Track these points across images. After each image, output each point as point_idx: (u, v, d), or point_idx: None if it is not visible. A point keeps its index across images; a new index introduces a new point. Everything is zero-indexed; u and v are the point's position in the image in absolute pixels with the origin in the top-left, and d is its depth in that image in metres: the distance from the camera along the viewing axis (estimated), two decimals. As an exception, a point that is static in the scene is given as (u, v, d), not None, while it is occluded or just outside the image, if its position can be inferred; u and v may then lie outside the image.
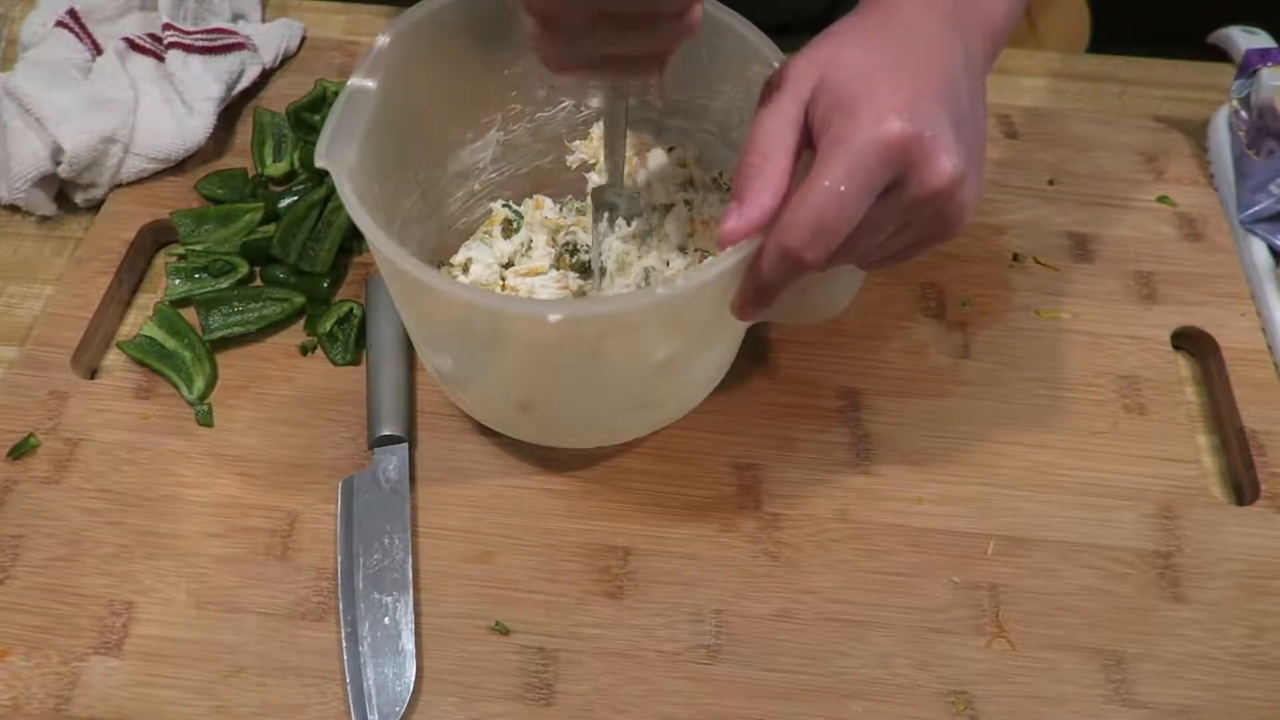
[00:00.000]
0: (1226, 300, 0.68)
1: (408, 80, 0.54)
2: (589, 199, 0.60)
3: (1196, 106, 0.80)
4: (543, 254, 0.63)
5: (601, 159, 0.57)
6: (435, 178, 0.60)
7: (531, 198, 0.66)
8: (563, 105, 0.63)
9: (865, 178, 0.44)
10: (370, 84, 0.51)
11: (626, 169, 0.59)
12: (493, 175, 0.65)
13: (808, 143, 0.46)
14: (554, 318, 0.45)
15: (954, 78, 0.47)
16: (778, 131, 0.46)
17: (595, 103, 0.63)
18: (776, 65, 0.54)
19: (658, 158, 0.62)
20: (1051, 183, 0.74)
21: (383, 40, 0.53)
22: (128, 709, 0.52)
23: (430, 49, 0.55)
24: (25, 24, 0.77)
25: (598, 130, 0.63)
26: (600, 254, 0.58)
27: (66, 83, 0.71)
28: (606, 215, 0.58)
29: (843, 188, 0.43)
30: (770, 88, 0.47)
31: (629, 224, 0.58)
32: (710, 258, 0.51)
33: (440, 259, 0.64)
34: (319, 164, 0.48)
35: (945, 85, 0.46)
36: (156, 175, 0.72)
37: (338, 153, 0.49)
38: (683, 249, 0.60)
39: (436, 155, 0.61)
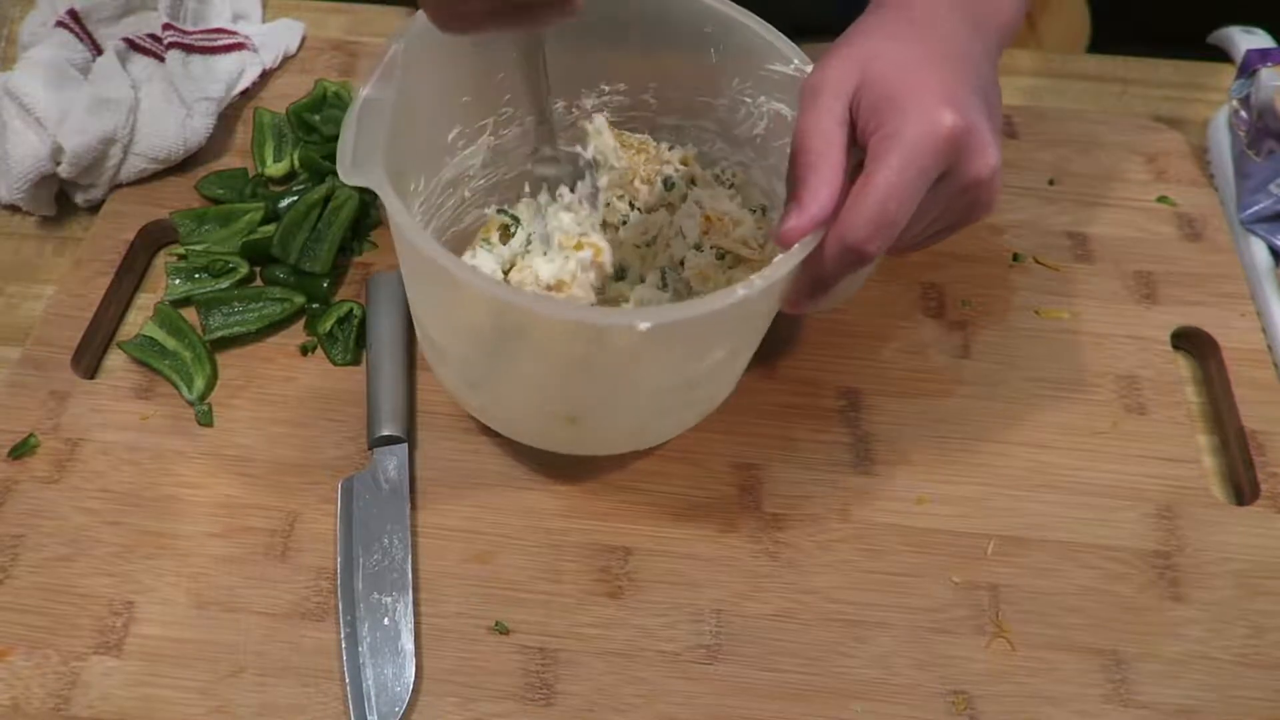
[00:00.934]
0: (1226, 300, 0.68)
1: (410, 88, 0.53)
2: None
3: (1196, 106, 0.80)
4: (552, 259, 0.62)
5: (531, 122, 0.53)
6: (431, 187, 0.60)
7: (523, 200, 0.65)
8: (553, 105, 0.63)
9: (920, 170, 0.44)
10: (384, 93, 0.50)
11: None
12: (480, 181, 0.64)
13: (853, 138, 0.47)
14: (644, 326, 0.44)
15: (979, 69, 0.48)
16: (828, 128, 0.46)
17: (591, 103, 0.62)
18: (796, 61, 0.54)
19: (601, 123, 0.59)
20: (1051, 183, 0.74)
21: (395, 47, 0.51)
22: (128, 709, 0.52)
23: (433, 55, 0.54)
24: (25, 24, 0.77)
25: (591, 126, 0.62)
26: (545, 228, 0.55)
27: (66, 83, 0.71)
28: (545, 187, 0.55)
29: (901, 180, 0.44)
30: (811, 86, 0.48)
31: (571, 190, 0.55)
32: (778, 255, 0.50)
33: None
34: (347, 180, 0.47)
35: (975, 77, 0.47)
36: (156, 175, 0.72)
37: (364, 165, 0.47)
38: (698, 247, 0.60)
39: (433, 164, 0.60)
